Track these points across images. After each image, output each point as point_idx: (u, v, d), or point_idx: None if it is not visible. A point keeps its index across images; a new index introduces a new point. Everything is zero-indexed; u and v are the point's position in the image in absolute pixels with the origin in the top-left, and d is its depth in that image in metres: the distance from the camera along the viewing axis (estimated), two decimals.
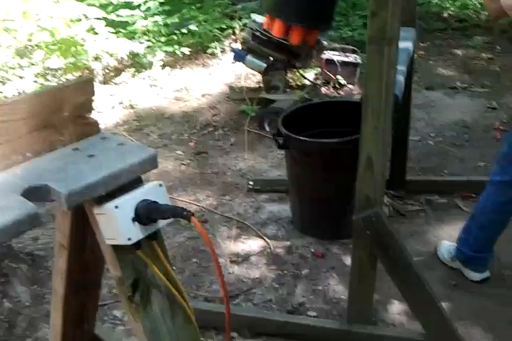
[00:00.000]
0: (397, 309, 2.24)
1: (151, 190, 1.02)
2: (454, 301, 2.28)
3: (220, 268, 1.11)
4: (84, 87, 1.06)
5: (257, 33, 3.83)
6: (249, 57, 3.99)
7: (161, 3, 5.70)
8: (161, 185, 1.03)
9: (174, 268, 2.49)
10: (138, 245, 1.02)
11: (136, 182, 1.02)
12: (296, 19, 3.54)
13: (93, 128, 1.09)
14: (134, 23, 5.42)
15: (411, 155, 3.41)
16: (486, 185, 2.24)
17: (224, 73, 5.04)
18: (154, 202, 1.00)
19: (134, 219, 0.98)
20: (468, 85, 4.51)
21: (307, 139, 2.52)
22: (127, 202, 0.98)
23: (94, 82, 1.11)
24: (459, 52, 5.34)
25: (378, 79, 1.55)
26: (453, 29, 5.94)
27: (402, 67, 2.12)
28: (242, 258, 2.59)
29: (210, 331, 2.10)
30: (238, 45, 4.85)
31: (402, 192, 2.99)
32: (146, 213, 0.99)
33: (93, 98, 1.08)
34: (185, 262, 2.59)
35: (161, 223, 1.04)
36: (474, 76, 4.71)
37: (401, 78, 2.01)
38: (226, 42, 5.67)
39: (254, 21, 3.90)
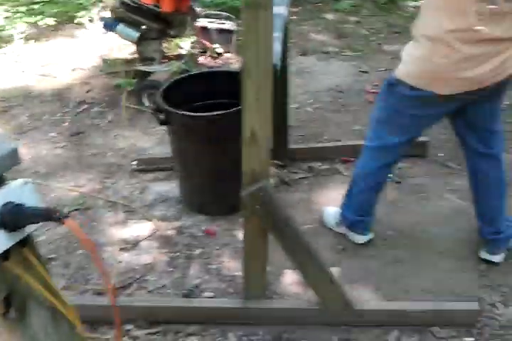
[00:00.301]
0: (291, 279, 2.29)
1: (16, 190, 0.92)
2: (342, 265, 2.37)
3: (104, 273, 1.05)
4: None
5: (126, 0, 3.62)
6: (120, 27, 3.77)
7: None
8: (27, 183, 0.93)
9: (59, 262, 2.39)
10: (6, 255, 0.93)
11: None
12: None
13: None
14: None
15: (291, 122, 3.47)
16: (362, 151, 2.31)
17: (95, 44, 4.76)
18: (20, 204, 0.90)
19: None
20: (340, 49, 4.63)
21: (189, 113, 2.45)
22: None
23: None
24: (329, 16, 5.45)
25: (256, 47, 1.49)
26: None
27: (278, 34, 2.10)
28: (132, 245, 2.51)
29: (103, 326, 2.02)
30: (108, 14, 4.57)
31: (286, 161, 3.03)
32: (11, 219, 0.89)
33: None
34: (70, 255, 2.47)
35: (31, 227, 0.95)
36: (345, 40, 4.83)
37: (278, 46, 1.98)
38: (94, 11, 5.33)
39: None
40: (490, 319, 2.08)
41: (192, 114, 2.45)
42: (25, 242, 0.96)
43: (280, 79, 2.80)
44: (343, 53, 4.56)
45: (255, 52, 1.50)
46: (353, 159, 3.02)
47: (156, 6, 3.53)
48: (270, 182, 2.80)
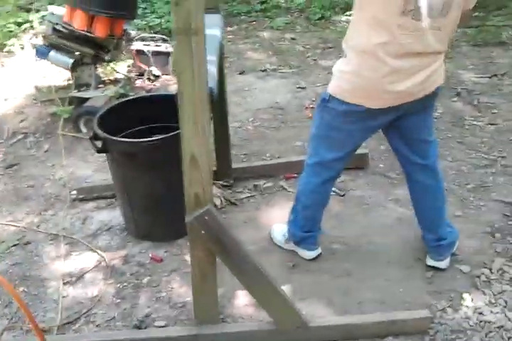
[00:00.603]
0: (245, 301, 2.26)
1: None
2: (293, 282, 2.36)
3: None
4: None
5: (58, 27, 3.55)
6: (52, 53, 3.69)
7: None
8: None
9: (0, 301, 2.28)
10: None
11: None
12: (97, 9, 3.34)
13: None
14: None
15: (233, 142, 3.47)
16: (304, 167, 2.33)
17: (27, 73, 4.62)
18: None
19: None
20: (277, 67, 4.69)
21: (127, 140, 2.41)
22: None
23: None
24: (264, 34, 5.53)
25: (191, 72, 1.50)
26: (256, 11, 6.13)
27: (212, 57, 2.10)
28: (76, 277, 2.42)
29: None
30: (39, 41, 4.47)
31: (231, 181, 3.02)
32: None
33: None
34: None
35: None
36: (281, 57, 4.91)
37: (213, 69, 1.98)
38: (25, 38, 5.21)
39: (52, 14, 3.60)
40: (441, 325, 2.11)
41: (129, 140, 2.41)
42: None
43: (219, 99, 2.81)
44: (281, 70, 4.62)
45: (190, 78, 1.50)
46: (296, 175, 3.06)
47: (88, 31, 3.48)
48: (214, 205, 2.82)
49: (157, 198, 2.55)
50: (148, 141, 2.38)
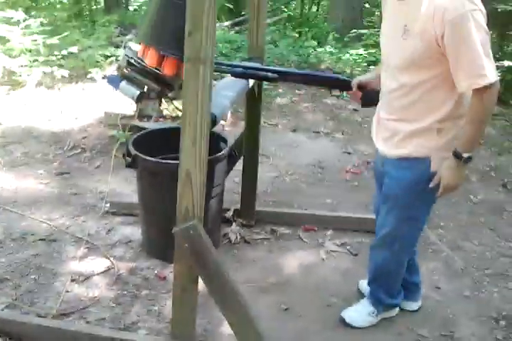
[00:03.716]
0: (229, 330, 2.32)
1: None
2: (281, 324, 2.40)
3: None
4: None
5: (132, 61, 3.90)
6: (123, 84, 4.02)
7: (43, 23, 5.68)
8: None
9: (10, 283, 2.48)
10: None
11: None
12: (169, 50, 3.65)
13: None
14: (11, 40, 5.32)
15: (266, 189, 3.64)
16: (377, 250, 2.30)
17: (102, 99, 5.06)
18: None
19: None
20: (331, 131, 4.89)
21: (151, 159, 2.58)
22: None
23: None
24: (329, 101, 5.78)
25: (194, 95, 1.64)
26: None
27: (231, 93, 2.33)
28: (84, 278, 2.60)
29: None
30: (115, 72, 4.89)
31: (252, 222, 3.16)
32: None
33: None
34: (23, 278, 2.56)
35: None
36: (337, 123, 5.11)
37: (226, 102, 2.20)
38: (108, 70, 5.72)
39: (130, 49, 3.97)
40: None
41: (152, 159, 2.58)
42: None
43: (251, 145, 3.02)
44: (332, 135, 4.81)
45: (195, 101, 1.66)
46: (316, 228, 3.16)
47: (157, 69, 3.80)
48: (229, 240, 2.96)
49: (172, 221, 2.70)
50: (169, 162, 2.54)
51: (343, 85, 2.43)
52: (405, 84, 1.89)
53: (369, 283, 2.44)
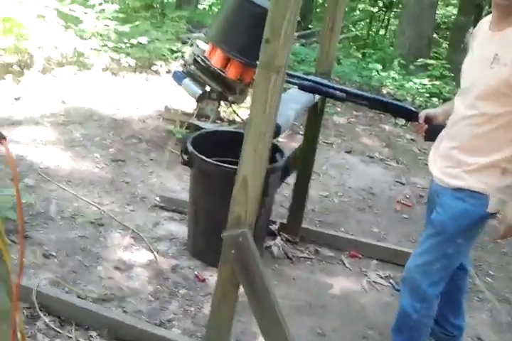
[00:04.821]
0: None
1: None
2: None
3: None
4: None
5: (198, 59, 3.93)
6: (186, 81, 4.04)
7: (116, 11, 5.78)
8: None
9: (56, 261, 2.50)
10: None
11: None
12: (236, 53, 3.68)
13: None
14: (84, 22, 5.43)
15: (314, 207, 3.60)
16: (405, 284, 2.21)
17: (164, 92, 5.11)
18: None
19: None
20: (385, 158, 4.82)
21: (207, 159, 2.56)
22: None
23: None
24: (386, 127, 5.72)
25: (263, 103, 1.61)
26: None
27: (296, 105, 2.31)
28: (127, 267, 2.60)
29: (71, 325, 2.09)
30: (180, 68, 4.94)
31: (296, 238, 3.12)
32: None
33: None
34: (69, 257, 2.58)
35: None
36: (393, 151, 5.04)
37: (291, 113, 2.18)
38: (173, 64, 5.78)
39: (197, 46, 4.00)
40: None
41: (207, 159, 2.55)
42: None
43: (305, 163, 2.99)
44: (387, 162, 4.75)
45: (261, 108, 1.63)
46: (360, 256, 3.10)
47: (222, 70, 3.82)
48: (271, 253, 2.93)
49: (218, 223, 2.65)
50: (223, 166, 2.51)
51: (410, 115, 2.40)
52: (486, 113, 1.85)
53: (392, 330, 2.29)
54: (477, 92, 1.88)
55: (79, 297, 2.29)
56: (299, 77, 2.54)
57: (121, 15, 6.02)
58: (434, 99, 6.79)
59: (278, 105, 1.69)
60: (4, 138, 1.05)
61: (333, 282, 2.84)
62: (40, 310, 2.17)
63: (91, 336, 2.07)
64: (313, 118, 2.90)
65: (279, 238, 3.07)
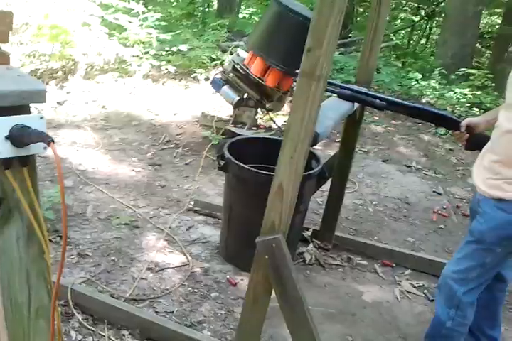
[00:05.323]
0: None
1: (32, 119, 1.11)
2: None
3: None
4: (2, 18, 1.18)
5: (237, 67, 3.97)
6: (225, 88, 4.10)
7: (159, 19, 5.90)
8: (41, 118, 1.13)
9: (91, 260, 2.55)
10: (8, 165, 1.10)
11: (22, 109, 1.10)
12: (276, 62, 3.71)
13: (2, 57, 1.20)
14: (128, 29, 5.56)
15: (349, 216, 3.57)
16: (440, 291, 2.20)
17: (202, 99, 5.18)
18: (27, 126, 1.09)
19: (6, 138, 1.07)
20: (423, 167, 4.75)
21: (243, 166, 2.57)
22: (3, 122, 1.06)
23: (12, 16, 1.22)
24: (425, 137, 5.64)
25: (302, 111, 1.62)
26: None
27: (335, 114, 2.31)
28: (160, 268, 2.64)
29: (104, 324, 2.13)
30: (219, 75, 4.99)
31: (329, 246, 3.10)
32: (18, 135, 1.07)
33: (9, 31, 1.19)
34: (104, 258, 2.63)
35: (34, 150, 1.12)
36: (431, 161, 4.96)
37: (330, 122, 2.17)
38: (212, 72, 5.85)
39: (237, 55, 4.05)
40: None
41: (246, 166, 2.57)
42: (27, 163, 1.13)
43: (340, 171, 2.97)
44: (424, 172, 4.68)
45: (300, 117, 1.64)
46: (394, 265, 3.06)
47: (260, 78, 3.85)
48: (303, 260, 2.92)
49: (252, 229, 2.65)
50: (263, 173, 2.51)
51: (452, 124, 2.36)
52: None
53: (424, 338, 2.27)
54: None
55: (112, 296, 2.33)
56: (338, 86, 2.55)
57: (163, 23, 6.15)
58: (475, 109, 6.65)
59: (317, 113, 1.69)
60: (52, 141, 1.09)
61: (364, 290, 2.81)
62: (75, 308, 2.23)
63: (123, 335, 2.11)
64: (351, 126, 2.89)
65: (311, 245, 3.06)
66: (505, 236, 1.96)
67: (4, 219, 1.16)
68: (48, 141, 1.09)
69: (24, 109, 1.12)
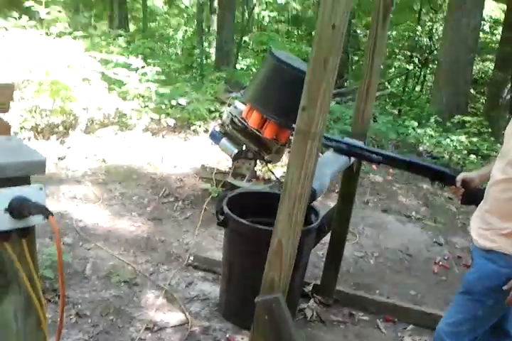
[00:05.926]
0: None
1: (32, 191, 1.14)
2: None
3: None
4: (4, 90, 1.22)
5: (235, 119, 4.03)
6: (223, 140, 4.15)
7: (158, 72, 6.04)
8: (41, 189, 1.15)
9: (89, 320, 2.52)
10: (6, 236, 1.11)
11: (22, 181, 1.13)
12: (272, 114, 3.77)
13: (3, 128, 1.23)
14: (127, 84, 5.68)
15: (349, 269, 3.55)
16: None
17: (201, 151, 5.24)
18: (27, 198, 1.11)
19: (6, 210, 1.08)
20: (422, 217, 4.75)
21: (242, 220, 2.56)
22: (3, 194, 1.08)
23: (13, 89, 1.26)
24: (424, 185, 5.66)
25: (300, 168, 1.65)
26: None
27: (332, 169, 2.35)
28: (158, 328, 2.60)
29: None
30: (217, 128, 5.07)
31: (330, 301, 3.06)
32: (17, 207, 1.09)
33: (10, 102, 1.23)
34: (102, 318, 2.60)
35: (34, 221, 1.13)
36: (430, 210, 4.97)
37: (327, 178, 2.19)
38: (211, 124, 5.94)
39: (235, 107, 4.11)
40: None
41: (245, 222, 2.56)
42: (26, 234, 1.14)
43: (340, 225, 2.97)
44: (424, 221, 4.67)
45: (297, 174, 1.66)
46: (396, 320, 3.01)
47: (258, 130, 3.90)
48: (304, 316, 2.87)
49: (252, 286, 2.63)
50: (262, 228, 2.49)
51: (447, 180, 2.40)
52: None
53: None
54: (509, 158, 1.89)
55: None
56: (334, 140, 2.59)
57: (162, 77, 6.29)
58: (473, 156, 6.71)
59: (314, 170, 1.72)
60: (51, 214, 1.11)
61: None
62: None
63: None
64: (349, 178, 2.92)
65: (312, 300, 3.02)
66: (492, 287, 1.94)
67: (3, 291, 1.16)
68: (47, 214, 1.11)
69: (24, 180, 1.14)
